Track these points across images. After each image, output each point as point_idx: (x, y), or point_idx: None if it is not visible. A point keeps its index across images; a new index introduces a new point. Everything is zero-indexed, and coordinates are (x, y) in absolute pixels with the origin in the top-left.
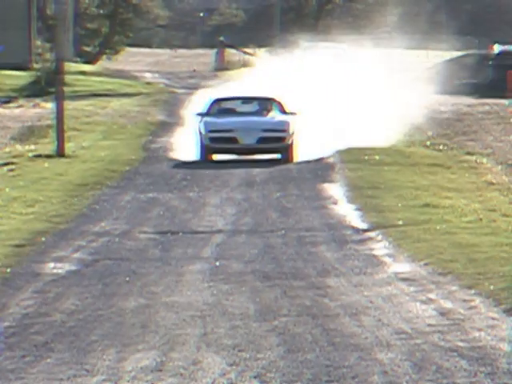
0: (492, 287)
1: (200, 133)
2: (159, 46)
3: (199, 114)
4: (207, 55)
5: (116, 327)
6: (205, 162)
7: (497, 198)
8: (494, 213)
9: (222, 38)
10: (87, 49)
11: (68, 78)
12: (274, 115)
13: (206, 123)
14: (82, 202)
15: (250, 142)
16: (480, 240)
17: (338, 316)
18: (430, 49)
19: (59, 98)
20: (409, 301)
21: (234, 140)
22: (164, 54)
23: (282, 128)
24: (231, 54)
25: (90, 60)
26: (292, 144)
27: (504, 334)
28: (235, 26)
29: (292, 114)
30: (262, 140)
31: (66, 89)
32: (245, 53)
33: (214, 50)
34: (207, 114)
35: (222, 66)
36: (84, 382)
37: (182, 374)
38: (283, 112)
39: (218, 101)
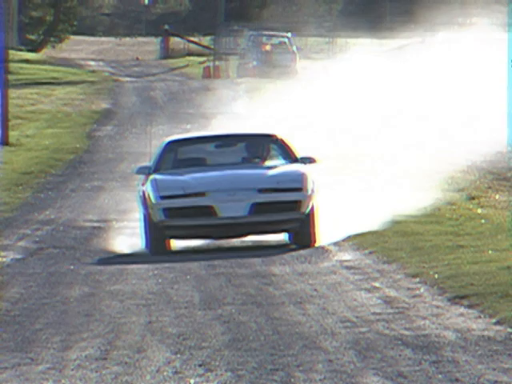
0: (437, 276)
1: (145, 201)
2: (104, 35)
3: (142, 170)
4: (152, 43)
5: (61, 316)
6: (155, 254)
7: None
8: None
9: (166, 27)
10: (31, 37)
11: (12, 66)
12: (277, 164)
13: (155, 184)
14: (27, 191)
15: (238, 214)
16: (424, 228)
17: (283, 304)
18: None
19: (3, 87)
20: (353, 289)
21: (208, 211)
22: (108, 42)
23: (295, 185)
24: (176, 42)
25: (35, 48)
26: (313, 213)
27: (448, 322)
28: (180, 14)
29: (308, 160)
30: (257, 208)
31: (10, 77)
32: (191, 42)
33: (159, 39)
34: (156, 168)
35: (166, 55)
36: (28, 370)
37: (127, 363)
38: (291, 158)
39: (173, 144)
